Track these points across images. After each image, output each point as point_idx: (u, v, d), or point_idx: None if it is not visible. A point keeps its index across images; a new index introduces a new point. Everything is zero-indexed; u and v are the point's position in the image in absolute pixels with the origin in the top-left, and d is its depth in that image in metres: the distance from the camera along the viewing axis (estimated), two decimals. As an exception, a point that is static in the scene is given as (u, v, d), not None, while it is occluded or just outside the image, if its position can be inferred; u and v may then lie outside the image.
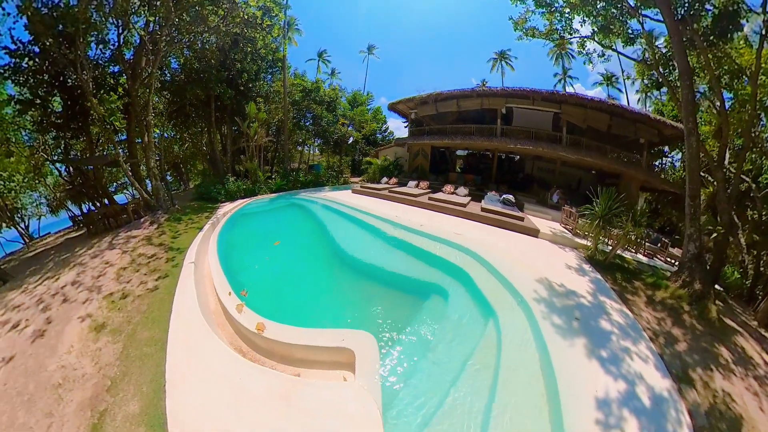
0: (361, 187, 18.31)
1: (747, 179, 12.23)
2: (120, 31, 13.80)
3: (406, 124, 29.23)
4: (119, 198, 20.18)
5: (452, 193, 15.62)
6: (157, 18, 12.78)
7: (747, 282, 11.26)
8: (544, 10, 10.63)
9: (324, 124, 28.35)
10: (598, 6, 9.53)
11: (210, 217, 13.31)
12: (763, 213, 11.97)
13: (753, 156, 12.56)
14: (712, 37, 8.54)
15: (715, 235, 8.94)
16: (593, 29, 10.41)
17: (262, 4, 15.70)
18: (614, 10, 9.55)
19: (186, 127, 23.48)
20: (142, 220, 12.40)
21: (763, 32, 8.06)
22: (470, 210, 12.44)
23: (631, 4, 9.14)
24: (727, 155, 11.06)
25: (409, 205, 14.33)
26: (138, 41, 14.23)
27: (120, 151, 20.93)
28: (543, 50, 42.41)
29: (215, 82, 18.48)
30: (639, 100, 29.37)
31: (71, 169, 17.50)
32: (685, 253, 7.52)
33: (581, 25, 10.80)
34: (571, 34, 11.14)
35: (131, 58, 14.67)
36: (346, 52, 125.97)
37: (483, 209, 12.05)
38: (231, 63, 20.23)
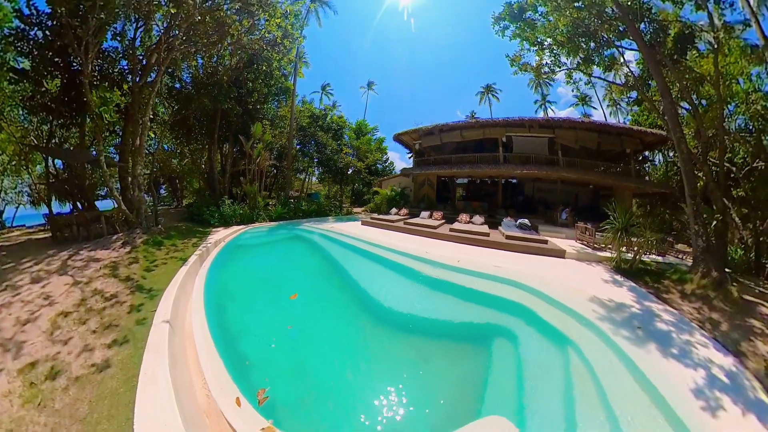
0: (371, 218, 17.77)
1: (727, 164, 13.94)
2: (137, 25, 13.56)
3: (409, 154, 30.27)
4: (107, 205, 17.62)
5: (468, 222, 15.73)
6: (179, 15, 11.90)
7: (751, 255, 12.62)
8: (536, 48, 12.24)
9: (328, 152, 28.21)
10: (581, 41, 11.14)
11: (199, 244, 11.29)
12: (747, 188, 13.66)
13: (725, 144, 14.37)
14: (675, 56, 10.36)
15: (715, 223, 10.40)
16: (578, 61, 11.96)
17: (283, 26, 16.51)
18: (593, 44, 11.23)
19: (187, 141, 22.51)
20: (114, 237, 10.46)
21: (716, 46, 10.15)
22: (495, 239, 12.32)
23: (609, 37, 10.75)
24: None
25: (429, 238, 13.58)
26: (155, 43, 13.48)
27: (111, 152, 19.20)
28: (523, 80, 48.07)
29: (224, 96, 18.05)
30: (611, 113, 33.49)
31: (54, 161, 15.95)
32: (696, 248, 8.56)
33: (567, 58, 12.29)
34: (559, 68, 12.67)
35: (142, 56, 14.19)
36: (345, 87, 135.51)
37: (508, 237, 12.12)
38: (243, 81, 20.20)
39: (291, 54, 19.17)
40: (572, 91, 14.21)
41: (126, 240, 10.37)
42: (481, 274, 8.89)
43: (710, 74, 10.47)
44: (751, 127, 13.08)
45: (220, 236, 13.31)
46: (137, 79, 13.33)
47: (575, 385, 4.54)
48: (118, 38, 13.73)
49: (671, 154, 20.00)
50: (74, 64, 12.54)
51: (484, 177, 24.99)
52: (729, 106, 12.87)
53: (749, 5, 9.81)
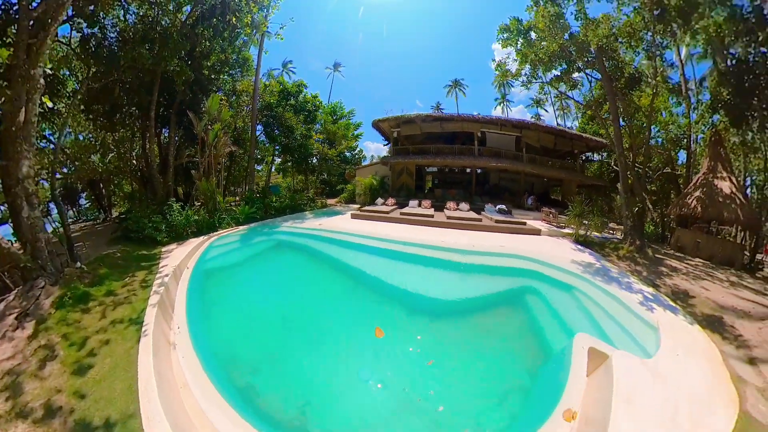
0: (360, 211, 17.51)
1: (647, 168, 18.58)
2: None
3: (386, 144, 30.40)
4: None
5: (456, 209, 17.61)
6: None
7: (659, 230, 17.33)
8: (520, 59, 14.86)
9: (298, 137, 24.12)
10: (557, 62, 14.19)
11: (151, 282, 7.37)
12: (658, 185, 18.48)
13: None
14: (625, 90, 14.31)
15: (637, 209, 14.48)
16: (550, 77, 15.28)
17: None
18: (565, 65, 14.40)
19: (111, 124, 15.88)
20: (1, 302, 5.68)
21: (654, 91, 13.96)
22: (485, 223, 14.68)
23: (581, 65, 14.18)
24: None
25: (429, 227, 14.64)
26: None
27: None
28: (485, 78, 52.19)
29: (172, 51, 12.49)
30: (559, 115, 39.30)
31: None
32: (626, 226, 12.98)
33: (543, 73, 15.16)
34: (536, 79, 15.67)
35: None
36: (307, 67, 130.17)
37: (497, 221, 14.73)
38: (197, 38, 14.64)
39: (275, 5, 14.93)
40: (530, 92, 17.39)
41: (23, 308, 5.60)
42: (494, 253, 11.09)
43: (645, 107, 14.28)
44: (665, 144, 17.67)
45: (177, 259, 9.27)
46: (30, 6, 7.59)
47: (586, 306, 7.60)
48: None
49: (605, 155, 24.85)
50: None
51: (460, 167, 27.79)
52: (653, 128, 17.25)
53: (680, 58, 13.85)
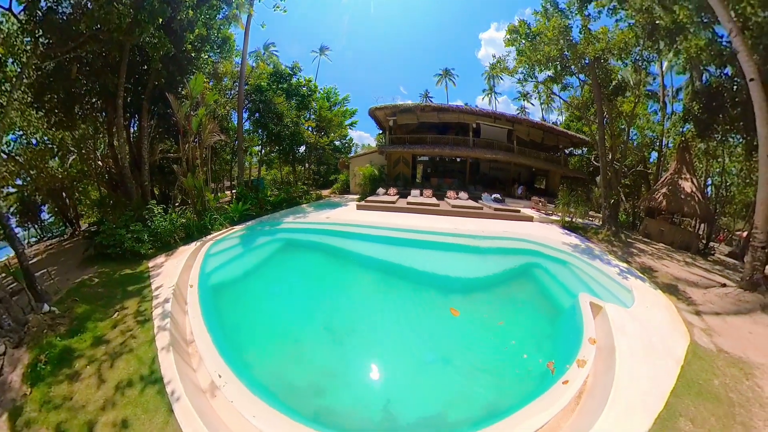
0: (365, 201, 17.36)
1: (623, 166, 20.51)
2: None
3: (380, 131, 30.12)
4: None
5: (457, 198, 18.36)
6: None
7: (630, 218, 19.45)
8: (518, 57, 15.88)
9: (289, 124, 22.01)
10: (553, 64, 15.21)
11: (148, 314, 5.71)
12: (630, 180, 20.55)
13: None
14: (611, 97, 16.09)
15: (613, 200, 16.38)
16: (544, 77, 16.58)
17: None
18: (560, 67, 15.45)
19: (68, 118, 13.21)
20: None
21: (636, 101, 15.52)
22: (485, 211, 15.86)
23: (574, 69, 15.45)
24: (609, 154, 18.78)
25: (438, 215, 15.39)
26: None
27: None
28: (474, 70, 52.46)
29: (149, 15, 9.92)
30: (544, 109, 41.34)
31: None
32: (604, 215, 15.04)
33: (538, 72, 16.33)
34: (531, 78, 16.85)
35: None
36: (289, 49, 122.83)
37: (496, 209, 16.04)
38: (178, 5, 12.00)
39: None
40: (518, 85, 18.33)
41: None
42: (503, 237, 12.59)
43: (626, 113, 15.97)
44: (640, 146, 19.72)
45: (172, 276, 7.53)
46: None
47: (579, 276, 9.52)
48: None
49: (585, 151, 26.88)
50: None
51: (455, 157, 28.39)
52: (631, 130, 19.21)
53: (661, 70, 15.50)
